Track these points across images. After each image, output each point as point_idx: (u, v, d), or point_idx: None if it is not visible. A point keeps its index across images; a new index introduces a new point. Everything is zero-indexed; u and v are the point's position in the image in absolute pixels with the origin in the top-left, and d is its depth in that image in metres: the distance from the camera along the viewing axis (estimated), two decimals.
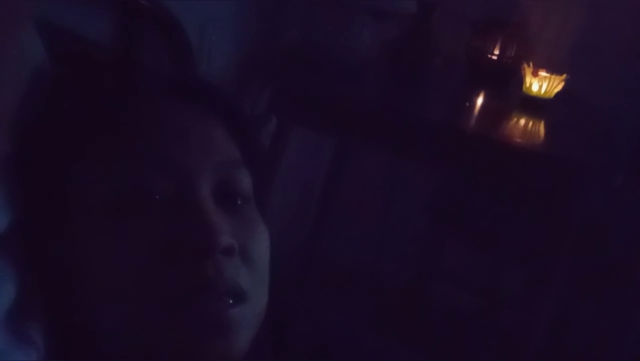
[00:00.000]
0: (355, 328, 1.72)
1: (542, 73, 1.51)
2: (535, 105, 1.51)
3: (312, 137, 1.75)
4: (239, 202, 0.46)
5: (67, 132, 0.45)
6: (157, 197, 0.43)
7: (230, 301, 0.42)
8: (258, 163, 0.51)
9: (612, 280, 1.48)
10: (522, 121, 1.53)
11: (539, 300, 1.34)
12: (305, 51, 1.51)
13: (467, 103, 1.61)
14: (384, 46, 1.57)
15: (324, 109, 1.44)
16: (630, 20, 1.67)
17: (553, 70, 1.52)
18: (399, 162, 1.90)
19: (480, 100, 1.67)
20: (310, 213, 1.93)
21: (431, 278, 1.85)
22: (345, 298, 1.85)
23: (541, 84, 1.50)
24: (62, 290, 0.43)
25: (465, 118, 1.51)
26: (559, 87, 1.50)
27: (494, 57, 1.64)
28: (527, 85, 1.52)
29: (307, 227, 1.89)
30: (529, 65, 1.52)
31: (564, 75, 1.50)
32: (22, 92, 0.44)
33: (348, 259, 1.95)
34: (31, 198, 0.43)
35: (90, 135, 0.44)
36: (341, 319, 1.74)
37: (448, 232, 1.80)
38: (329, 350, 1.56)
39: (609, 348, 1.58)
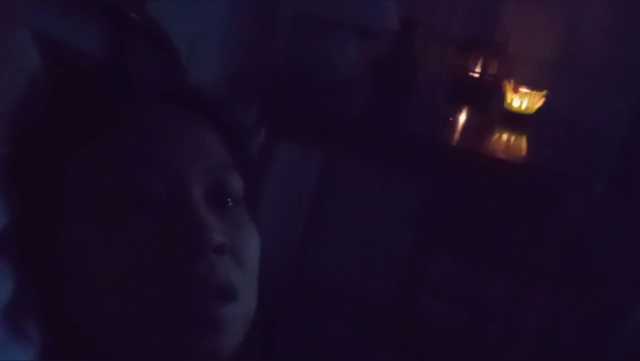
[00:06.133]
0: (340, 341, 1.72)
1: (523, 89, 1.54)
2: (516, 121, 1.55)
3: (298, 151, 1.77)
4: (230, 204, 0.47)
5: (62, 135, 0.46)
6: (151, 197, 0.44)
7: (221, 299, 0.43)
8: (248, 166, 0.52)
9: (596, 290, 1.50)
10: (505, 136, 1.56)
11: (524, 312, 1.36)
12: (292, 67, 1.53)
13: (451, 119, 1.64)
14: (368, 63, 1.60)
15: (310, 124, 1.46)
16: (609, 37, 1.71)
17: (534, 86, 1.55)
18: (384, 176, 1.93)
19: (463, 116, 1.70)
20: (296, 226, 1.94)
21: (416, 291, 1.86)
22: (330, 312, 1.85)
23: (522, 100, 1.54)
24: (57, 287, 0.43)
25: (449, 133, 1.54)
26: (540, 103, 1.54)
27: (476, 75, 1.68)
28: (509, 101, 1.55)
29: (293, 240, 1.90)
30: (509, 82, 1.55)
31: (544, 92, 1.54)
32: (18, 97, 0.46)
33: (333, 273, 1.96)
34: (28, 198, 0.44)
35: (85, 139, 0.45)
36: (326, 332, 1.74)
37: (433, 245, 1.82)
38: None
39: (594, 358, 1.59)
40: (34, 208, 0.44)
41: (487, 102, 1.66)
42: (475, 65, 1.68)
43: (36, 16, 0.52)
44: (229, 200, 0.48)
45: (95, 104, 0.47)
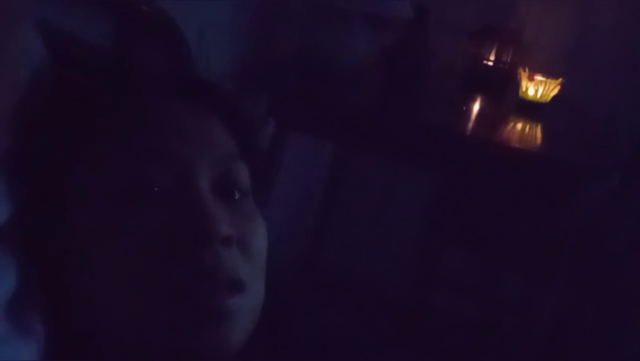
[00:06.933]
0: (352, 334, 1.71)
1: (538, 77, 1.52)
2: (531, 109, 1.52)
3: (310, 141, 1.75)
4: (237, 196, 0.47)
5: (67, 127, 0.45)
6: (157, 189, 0.43)
7: (229, 291, 0.42)
8: (256, 157, 0.51)
9: (612, 283, 1.48)
10: (519, 125, 1.53)
11: (539, 305, 1.34)
12: (302, 57, 1.52)
13: (464, 109, 1.62)
14: (380, 53, 1.58)
15: (321, 114, 1.45)
16: (624, 24, 1.68)
17: (549, 74, 1.53)
18: (396, 168, 1.91)
19: (476, 105, 1.68)
20: (307, 218, 1.93)
21: (430, 284, 1.84)
22: (342, 305, 1.85)
23: (537, 88, 1.51)
24: (62, 281, 0.43)
25: (462, 123, 1.52)
26: (555, 91, 1.51)
27: (490, 63, 1.65)
28: (524, 89, 1.53)
29: (304, 233, 1.89)
30: (524, 70, 1.53)
31: (560, 79, 1.51)
32: (23, 89, 0.45)
33: (345, 266, 1.95)
34: (31, 191, 0.44)
35: (90, 131, 0.45)
36: (338, 325, 1.74)
37: (447, 238, 1.80)
38: (325, 354, 1.56)
39: (609, 352, 1.57)
40: (37, 201, 0.44)
41: (502, 91, 1.64)
42: (489, 53, 1.65)
43: (41, 7, 0.51)
44: (236, 191, 0.47)
45: (102, 96, 0.47)
